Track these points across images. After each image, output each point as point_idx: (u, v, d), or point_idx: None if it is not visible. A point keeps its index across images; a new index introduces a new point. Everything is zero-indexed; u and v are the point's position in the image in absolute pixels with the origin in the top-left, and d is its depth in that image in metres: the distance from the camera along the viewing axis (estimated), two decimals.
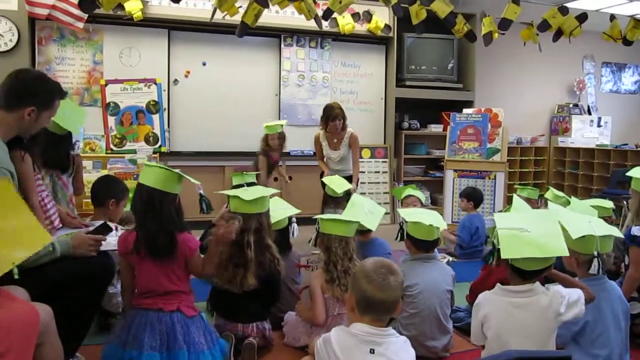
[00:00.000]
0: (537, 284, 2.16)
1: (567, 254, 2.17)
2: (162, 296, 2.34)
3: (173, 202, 2.37)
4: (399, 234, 3.03)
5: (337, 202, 4.27)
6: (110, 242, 2.47)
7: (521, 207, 3.00)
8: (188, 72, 6.13)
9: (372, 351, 1.74)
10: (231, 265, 2.67)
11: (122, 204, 3.26)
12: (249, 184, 3.91)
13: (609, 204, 3.68)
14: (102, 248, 2.38)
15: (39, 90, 2.34)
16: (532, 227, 2.14)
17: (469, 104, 7.01)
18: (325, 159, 5.22)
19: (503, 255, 2.09)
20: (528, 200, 4.63)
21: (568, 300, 2.12)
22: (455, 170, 6.27)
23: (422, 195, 4.71)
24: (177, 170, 2.39)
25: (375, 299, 1.77)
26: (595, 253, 2.45)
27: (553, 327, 2.13)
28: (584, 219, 2.58)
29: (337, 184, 4.48)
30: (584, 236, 2.41)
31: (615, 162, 7.41)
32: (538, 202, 4.71)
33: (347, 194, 4.21)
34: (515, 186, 5.23)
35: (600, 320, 2.39)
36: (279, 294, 2.95)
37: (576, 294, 2.16)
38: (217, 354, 2.37)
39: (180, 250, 2.35)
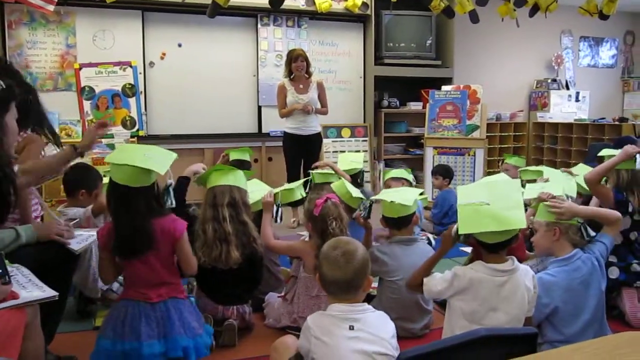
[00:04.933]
0: (515, 262, 2.17)
1: (525, 225, 2.17)
2: (152, 288, 2.29)
3: (147, 193, 2.26)
4: (366, 211, 3.03)
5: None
6: (84, 237, 2.41)
7: (552, 175, 3.11)
8: (164, 54, 6.04)
9: (351, 327, 1.75)
10: (217, 241, 2.65)
11: (96, 193, 3.14)
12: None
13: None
14: (77, 246, 2.31)
15: None
16: (493, 200, 2.12)
17: (448, 80, 7.01)
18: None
19: (460, 231, 2.11)
20: (515, 168, 4.69)
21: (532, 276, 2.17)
22: (435, 148, 6.29)
23: (408, 176, 4.72)
24: (148, 158, 2.23)
25: (338, 280, 1.80)
26: (580, 220, 2.52)
27: (529, 304, 2.18)
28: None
29: (349, 161, 4.51)
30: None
31: (593, 136, 7.48)
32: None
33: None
34: (504, 154, 5.28)
35: (570, 302, 2.43)
36: (261, 275, 2.94)
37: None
38: (207, 336, 2.37)
39: (165, 238, 2.28)
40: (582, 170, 3.54)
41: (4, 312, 1.73)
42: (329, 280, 1.81)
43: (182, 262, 2.38)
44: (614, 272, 3.01)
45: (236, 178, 2.79)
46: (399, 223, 2.94)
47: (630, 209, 3.01)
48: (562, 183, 3.11)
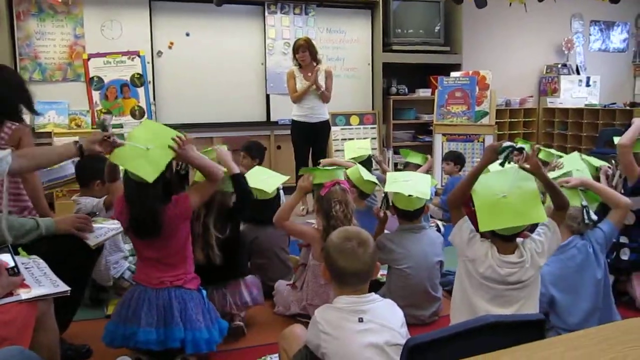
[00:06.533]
0: (524, 250, 2.17)
1: (545, 219, 2.17)
2: (156, 271, 2.32)
3: (158, 181, 2.24)
4: (383, 203, 3.04)
5: None
6: (103, 232, 2.44)
7: (571, 161, 3.09)
8: (172, 44, 6.03)
9: (360, 320, 1.72)
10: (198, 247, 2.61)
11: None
12: None
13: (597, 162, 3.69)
14: (94, 241, 2.34)
15: None
16: (509, 192, 2.10)
17: (456, 67, 6.96)
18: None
19: (481, 229, 2.08)
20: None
21: (547, 249, 2.16)
22: (444, 134, 6.27)
23: (420, 160, 4.71)
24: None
25: (349, 271, 1.76)
26: (584, 203, 2.51)
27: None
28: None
29: (354, 148, 4.49)
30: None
31: (604, 121, 7.42)
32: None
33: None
34: (515, 139, 5.24)
35: (566, 291, 2.43)
36: (241, 265, 2.89)
37: (549, 230, 2.19)
38: (215, 332, 2.36)
39: (179, 214, 2.31)
40: (573, 161, 3.51)
41: (14, 305, 1.75)
42: (349, 272, 1.76)
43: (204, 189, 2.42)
44: (626, 253, 2.99)
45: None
46: (413, 215, 2.94)
47: None
48: (575, 168, 3.09)
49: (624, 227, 3.02)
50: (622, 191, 3.04)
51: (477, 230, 2.18)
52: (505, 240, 2.14)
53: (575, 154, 3.67)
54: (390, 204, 2.99)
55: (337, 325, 1.72)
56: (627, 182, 3.04)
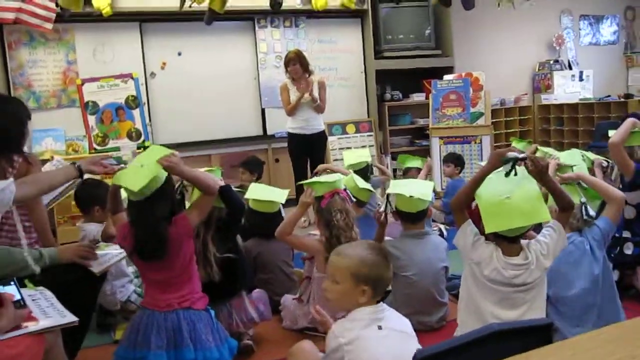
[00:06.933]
0: (529, 252, 2.17)
1: (550, 218, 2.18)
2: (163, 294, 2.31)
3: (161, 199, 2.27)
4: (386, 206, 3.03)
5: None
6: (107, 258, 2.44)
7: (570, 157, 3.12)
8: (164, 64, 6.06)
9: (379, 327, 1.77)
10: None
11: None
12: None
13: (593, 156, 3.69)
14: (98, 268, 2.35)
15: None
16: (512, 192, 2.12)
17: (449, 69, 6.98)
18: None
19: (487, 230, 2.08)
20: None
21: (552, 251, 2.16)
22: (440, 138, 6.29)
23: (420, 163, 4.72)
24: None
25: (386, 278, 1.86)
26: (582, 200, 2.52)
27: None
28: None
29: (355, 155, 4.51)
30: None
31: (599, 114, 7.44)
32: None
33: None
34: (511, 138, 5.25)
35: (565, 287, 2.43)
36: (241, 281, 2.85)
37: (555, 232, 2.20)
38: (225, 352, 2.35)
39: (181, 233, 2.31)
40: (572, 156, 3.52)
41: (23, 338, 1.75)
42: (381, 280, 1.85)
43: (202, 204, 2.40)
44: (629, 248, 3.01)
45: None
46: (416, 218, 2.94)
47: None
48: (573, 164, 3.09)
49: (626, 222, 3.04)
50: (620, 186, 3.05)
51: (481, 232, 2.19)
52: (509, 242, 2.14)
53: (575, 150, 3.68)
54: (394, 209, 2.99)
55: (358, 335, 1.75)
56: (624, 177, 3.05)
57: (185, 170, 2.34)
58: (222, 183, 2.67)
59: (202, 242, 2.63)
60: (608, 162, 3.39)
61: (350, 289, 1.81)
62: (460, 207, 2.26)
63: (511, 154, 2.12)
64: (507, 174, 2.13)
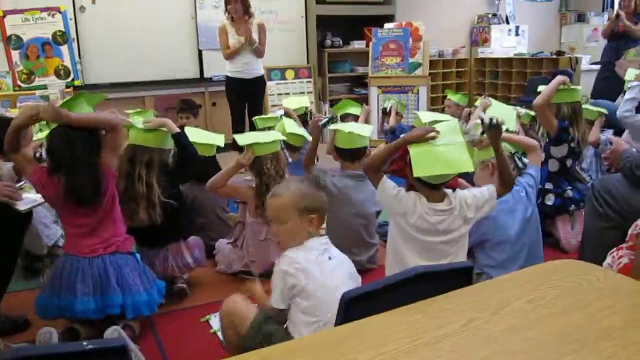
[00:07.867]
0: (452, 198, 2.24)
1: (472, 169, 2.26)
2: (87, 238, 2.28)
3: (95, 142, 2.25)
4: (326, 122, 3.03)
5: None
6: (30, 198, 2.37)
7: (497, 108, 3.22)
8: None
9: (330, 258, 1.87)
10: (126, 199, 2.56)
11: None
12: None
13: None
14: (24, 207, 2.29)
15: None
16: (441, 141, 2.18)
17: (390, 18, 6.96)
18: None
19: (415, 174, 2.14)
20: (457, 105, 4.75)
21: (476, 205, 2.23)
22: (379, 87, 6.32)
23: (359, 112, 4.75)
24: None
25: (325, 202, 1.97)
26: (512, 150, 2.66)
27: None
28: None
29: (295, 102, 4.51)
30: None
31: (532, 70, 7.65)
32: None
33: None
34: (446, 91, 5.33)
35: (497, 230, 2.56)
36: (182, 226, 2.87)
37: (487, 193, 2.27)
38: (154, 293, 2.36)
39: (105, 176, 2.27)
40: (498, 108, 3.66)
41: None
42: (324, 210, 1.97)
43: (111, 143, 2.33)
44: (550, 199, 3.18)
45: (159, 140, 2.68)
46: (354, 155, 2.98)
47: (568, 138, 3.15)
48: (501, 112, 3.20)
49: (549, 175, 3.20)
50: (547, 141, 3.20)
51: (408, 181, 2.25)
52: (432, 189, 2.20)
53: (504, 106, 3.82)
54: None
55: (316, 263, 1.82)
56: (549, 135, 3.21)
57: (78, 118, 2.25)
58: (177, 129, 2.70)
59: (146, 184, 2.59)
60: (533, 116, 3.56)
61: (298, 222, 1.87)
62: (376, 169, 2.30)
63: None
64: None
